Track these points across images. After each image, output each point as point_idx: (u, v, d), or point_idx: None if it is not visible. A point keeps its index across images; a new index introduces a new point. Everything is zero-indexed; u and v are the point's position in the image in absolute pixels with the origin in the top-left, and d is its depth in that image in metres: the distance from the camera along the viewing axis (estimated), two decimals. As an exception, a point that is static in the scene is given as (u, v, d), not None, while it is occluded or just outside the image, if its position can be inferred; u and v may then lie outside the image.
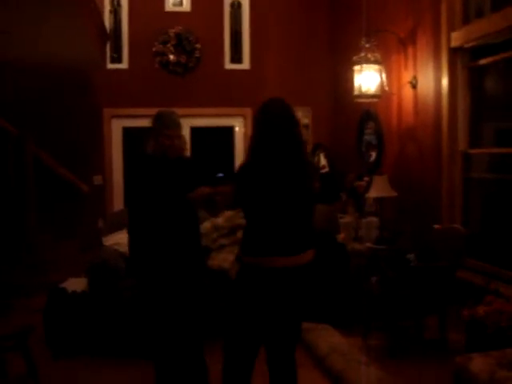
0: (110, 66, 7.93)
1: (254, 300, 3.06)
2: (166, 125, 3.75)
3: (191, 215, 3.80)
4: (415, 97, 5.87)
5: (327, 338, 4.75)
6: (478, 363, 3.19)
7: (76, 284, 4.99)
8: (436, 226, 5.09)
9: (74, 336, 4.76)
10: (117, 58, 7.97)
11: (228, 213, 5.90)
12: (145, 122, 7.87)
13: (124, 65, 8.02)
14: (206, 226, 5.78)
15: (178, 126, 3.83)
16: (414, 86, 5.84)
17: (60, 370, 4.49)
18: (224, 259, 5.49)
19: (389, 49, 6.26)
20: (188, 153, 4.06)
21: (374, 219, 6.10)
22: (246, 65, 8.32)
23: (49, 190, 6.75)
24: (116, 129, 8.04)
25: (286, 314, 3.12)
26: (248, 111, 8.22)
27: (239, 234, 5.75)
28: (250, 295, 3.07)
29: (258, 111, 3.16)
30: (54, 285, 4.99)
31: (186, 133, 8.03)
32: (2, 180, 6.61)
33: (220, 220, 5.85)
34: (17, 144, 6.66)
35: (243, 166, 3.14)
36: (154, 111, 8.28)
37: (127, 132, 8.08)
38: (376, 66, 5.96)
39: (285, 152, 3.05)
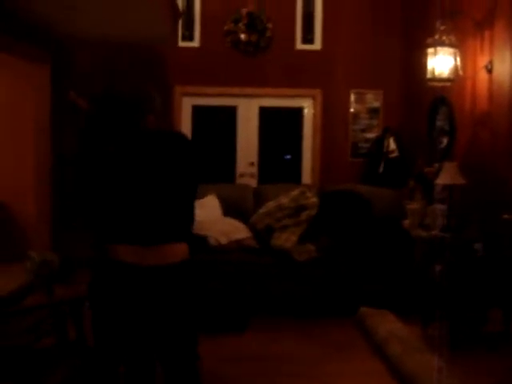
0: (181, 43, 7.98)
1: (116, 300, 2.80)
2: None
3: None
4: (490, 82, 5.68)
5: (387, 324, 4.71)
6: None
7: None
8: (505, 216, 4.94)
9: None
10: (188, 36, 8.01)
11: (294, 193, 5.91)
12: (215, 101, 8.06)
13: (195, 43, 8.06)
14: (270, 204, 5.81)
15: None
16: (490, 71, 5.65)
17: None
18: (286, 239, 5.51)
19: (464, 32, 6.06)
20: None
21: (442, 206, 5.96)
22: (317, 45, 8.21)
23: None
24: (186, 107, 8.12)
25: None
26: (318, 92, 8.16)
27: (303, 216, 5.76)
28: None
29: None
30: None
31: (254, 112, 8.12)
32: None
33: (285, 200, 5.86)
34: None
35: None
36: (224, 90, 8.36)
37: (197, 110, 8.15)
38: (451, 50, 5.80)
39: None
